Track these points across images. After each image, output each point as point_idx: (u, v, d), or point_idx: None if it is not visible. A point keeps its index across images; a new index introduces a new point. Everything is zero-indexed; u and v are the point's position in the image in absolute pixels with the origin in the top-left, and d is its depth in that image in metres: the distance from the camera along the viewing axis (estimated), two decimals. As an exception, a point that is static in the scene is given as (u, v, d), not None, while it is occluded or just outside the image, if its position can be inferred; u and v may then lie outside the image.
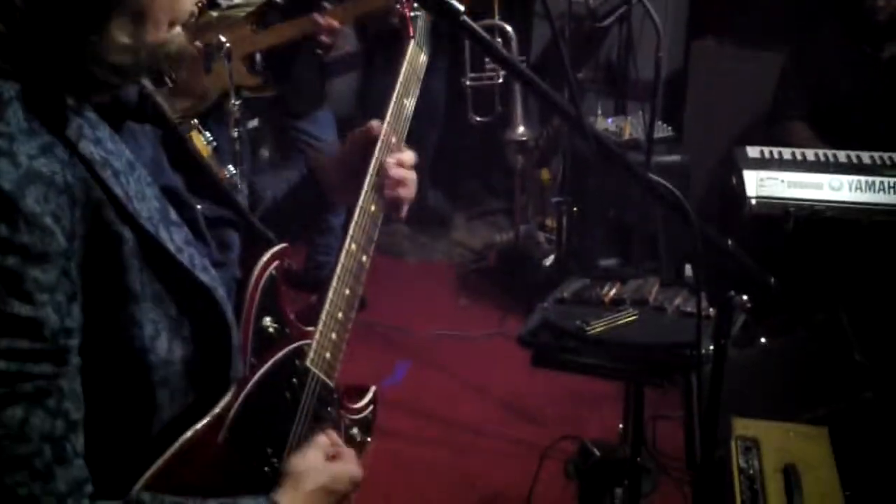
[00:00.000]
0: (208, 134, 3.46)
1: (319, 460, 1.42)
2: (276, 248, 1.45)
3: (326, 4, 4.11)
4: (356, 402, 1.68)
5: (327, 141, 4.72)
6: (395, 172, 1.62)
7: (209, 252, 1.37)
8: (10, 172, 1.05)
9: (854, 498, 2.48)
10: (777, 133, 4.31)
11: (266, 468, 1.38)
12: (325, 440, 1.45)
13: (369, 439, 1.68)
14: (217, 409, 1.31)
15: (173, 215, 1.27)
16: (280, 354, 1.42)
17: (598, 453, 3.41)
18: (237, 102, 3.68)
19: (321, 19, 4.02)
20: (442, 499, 3.43)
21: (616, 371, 2.40)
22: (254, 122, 4.46)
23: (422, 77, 1.71)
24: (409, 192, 1.65)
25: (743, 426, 2.71)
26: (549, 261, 4.77)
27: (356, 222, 1.55)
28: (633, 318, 2.43)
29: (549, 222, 5.27)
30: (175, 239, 1.24)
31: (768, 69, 4.52)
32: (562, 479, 3.47)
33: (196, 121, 3.44)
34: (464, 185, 6.11)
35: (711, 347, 1.94)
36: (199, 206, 1.39)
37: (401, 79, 1.67)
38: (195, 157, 1.43)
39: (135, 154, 1.24)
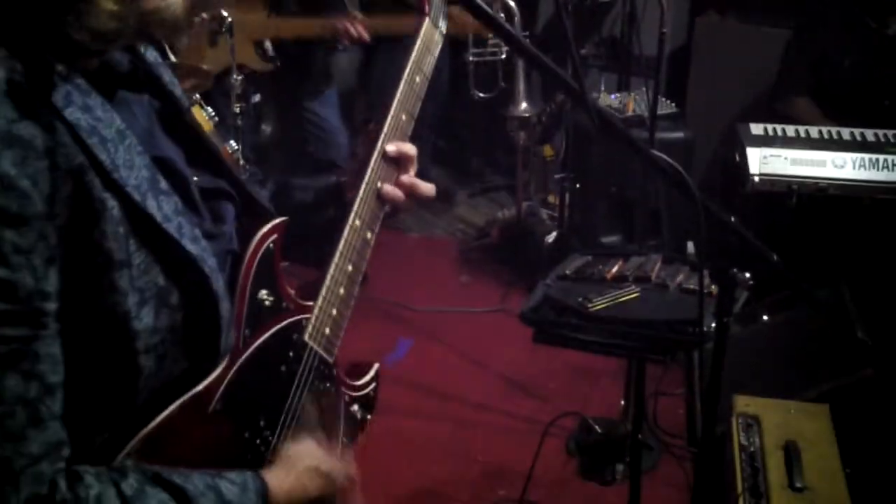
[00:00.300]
0: (210, 109, 3.47)
1: (316, 447, 1.42)
2: (274, 222, 1.43)
3: (357, 14, 4.06)
4: (358, 378, 1.66)
5: (329, 119, 4.71)
6: (396, 190, 1.59)
7: (201, 223, 1.35)
8: None
9: (854, 475, 2.49)
10: (781, 109, 4.30)
11: (258, 440, 1.38)
12: (321, 435, 1.46)
13: (370, 416, 1.67)
14: (209, 380, 1.30)
15: (163, 185, 1.26)
16: (276, 328, 1.41)
17: (599, 430, 3.43)
18: (239, 77, 3.68)
19: (351, 28, 3.97)
20: (443, 474, 3.44)
21: (618, 347, 2.40)
22: (256, 98, 4.45)
23: (436, 55, 1.66)
24: (409, 202, 1.61)
25: (744, 403, 2.72)
26: (551, 237, 4.77)
27: (361, 198, 1.52)
28: (636, 294, 2.43)
29: (552, 199, 5.27)
30: (164, 208, 1.23)
31: (772, 45, 4.50)
32: (563, 455, 3.49)
33: (198, 95, 3.45)
34: (466, 161, 6.10)
35: (713, 325, 1.94)
36: (196, 178, 1.38)
37: (413, 55, 1.62)
38: (193, 129, 1.42)
39: (126, 123, 1.23)
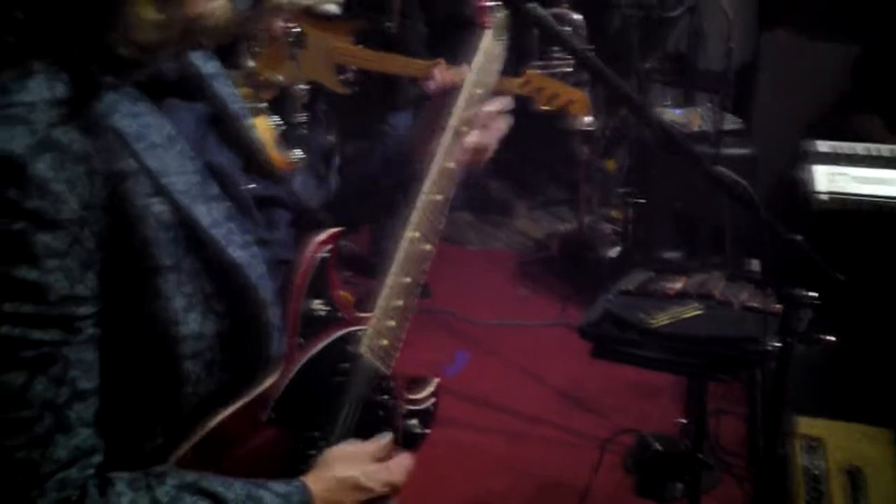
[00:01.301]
0: (276, 117, 3.50)
1: (358, 454, 1.39)
2: (329, 231, 1.42)
3: (445, 65, 4.06)
4: (417, 392, 1.63)
5: (397, 128, 4.72)
6: (485, 116, 1.59)
7: (255, 229, 1.35)
8: (25, 138, 1.05)
9: (920, 501, 2.44)
10: (849, 126, 4.23)
11: (313, 451, 1.37)
12: (378, 444, 1.42)
13: (428, 431, 1.63)
14: (262, 388, 1.29)
15: (214, 190, 1.26)
16: (331, 338, 1.40)
17: (657, 447, 3.39)
18: (305, 87, 3.71)
19: (439, 76, 3.96)
20: (498, 487, 3.43)
21: (679, 365, 2.37)
22: (322, 107, 4.48)
23: (499, 67, 1.64)
24: (492, 138, 1.61)
25: (806, 425, 2.68)
26: (612, 252, 4.74)
27: (419, 210, 1.50)
28: (698, 311, 2.40)
29: (614, 213, 5.24)
30: (213, 213, 1.23)
31: (840, 61, 4.44)
32: (620, 471, 3.46)
33: (266, 103, 3.48)
34: (527, 174, 6.09)
35: (777, 344, 1.91)
36: (251, 185, 1.38)
37: (474, 66, 1.60)
38: (249, 137, 1.41)
39: (177, 129, 1.23)
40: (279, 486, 1.27)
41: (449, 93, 1.61)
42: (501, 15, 1.64)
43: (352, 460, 1.37)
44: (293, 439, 1.35)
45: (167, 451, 1.23)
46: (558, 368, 4.14)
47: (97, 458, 1.13)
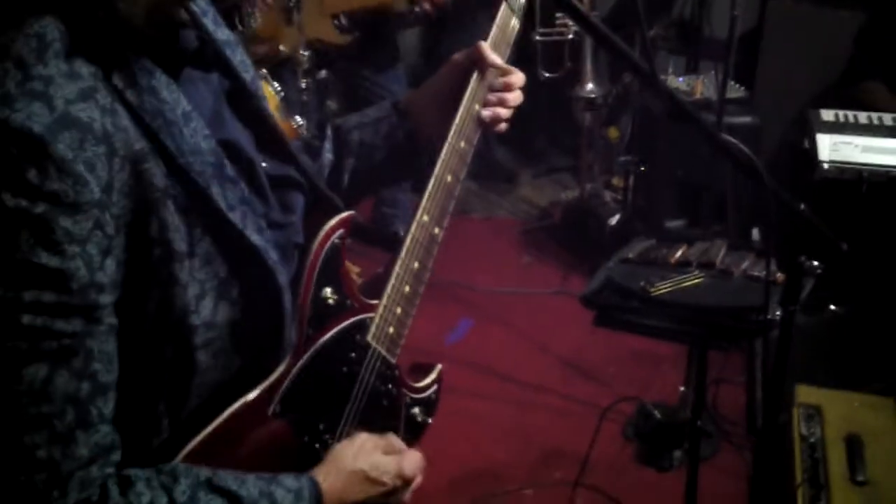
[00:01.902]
0: (276, 84, 3.49)
1: (368, 446, 1.36)
2: (341, 216, 1.36)
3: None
4: (420, 380, 1.60)
5: (396, 94, 4.70)
6: (498, 94, 1.57)
7: (268, 212, 1.30)
8: (44, 116, 1.00)
9: (919, 469, 2.44)
10: (852, 94, 4.21)
11: (317, 444, 1.34)
12: (388, 439, 1.40)
13: (430, 420, 1.60)
14: (269, 381, 1.26)
15: (229, 171, 1.21)
16: (340, 327, 1.36)
17: (658, 415, 3.41)
18: (307, 53, 3.69)
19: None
20: (500, 454, 3.44)
21: (680, 333, 2.38)
22: (322, 74, 4.46)
23: (511, 42, 1.60)
24: (505, 112, 1.59)
25: (806, 393, 2.69)
26: (614, 220, 4.74)
27: (430, 193, 1.46)
28: (699, 280, 2.40)
29: (616, 181, 5.23)
30: (228, 196, 1.18)
31: (845, 29, 4.40)
32: (620, 439, 3.48)
33: (265, 70, 3.47)
34: (531, 141, 6.07)
35: (778, 313, 1.91)
36: (263, 164, 1.33)
37: (490, 41, 1.55)
38: (263, 112, 1.36)
39: (193, 104, 1.18)
40: (290, 481, 1.24)
41: (458, 69, 1.57)
42: None
43: (361, 453, 1.34)
44: (299, 432, 1.32)
45: (173, 446, 1.20)
46: (561, 337, 4.15)
47: (116, 456, 1.10)
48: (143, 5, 1.09)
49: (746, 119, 4.24)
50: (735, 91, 4.33)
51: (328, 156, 1.62)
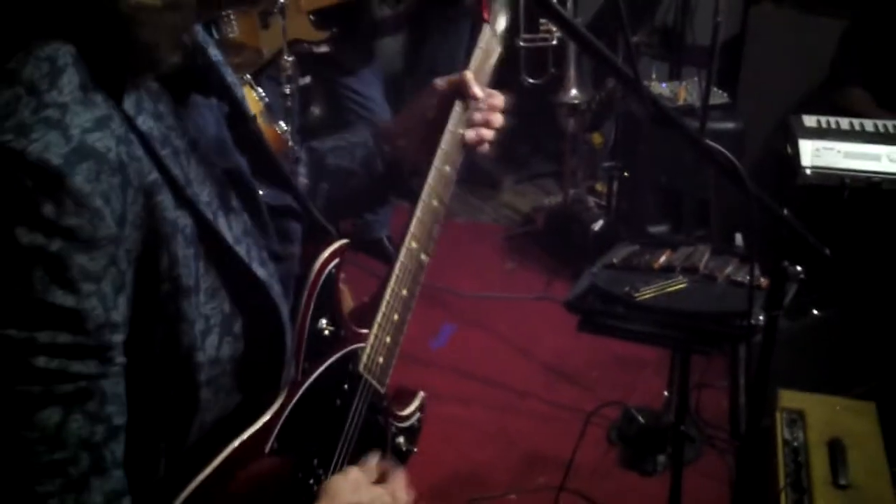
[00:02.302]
0: (261, 90, 3.49)
1: (363, 479, 1.31)
2: (336, 245, 1.34)
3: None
4: (403, 408, 1.57)
5: (373, 99, 4.71)
6: (483, 115, 1.57)
7: (268, 243, 1.25)
8: (60, 146, 0.94)
9: (901, 474, 2.46)
10: (835, 101, 4.23)
11: (311, 480, 1.29)
12: (373, 464, 1.36)
13: (415, 449, 1.57)
14: (266, 417, 1.21)
15: (234, 202, 1.17)
16: (332, 359, 1.32)
17: (641, 420, 3.41)
18: (290, 59, 3.69)
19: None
20: (484, 459, 3.44)
21: (664, 338, 2.39)
22: (305, 80, 4.46)
23: (494, 67, 1.62)
24: (490, 134, 1.58)
25: (789, 398, 2.69)
26: (597, 226, 4.74)
27: (418, 218, 1.44)
28: (683, 285, 2.41)
29: (599, 187, 5.24)
30: (233, 228, 1.14)
31: (827, 35, 4.43)
32: (604, 444, 3.48)
33: (249, 76, 3.47)
34: (514, 147, 6.07)
35: (762, 318, 1.92)
36: (261, 192, 1.27)
37: (473, 64, 1.56)
38: (259, 138, 1.31)
39: (197, 131, 1.14)
40: None
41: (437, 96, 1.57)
42: (499, 5, 1.60)
43: (358, 488, 1.29)
44: (295, 469, 1.28)
45: (169, 486, 1.15)
46: (544, 342, 4.15)
47: (127, 501, 1.06)
48: (167, 30, 1.03)
49: (729, 125, 4.26)
50: (718, 97, 4.36)
51: (303, 179, 1.58)
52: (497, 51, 1.63)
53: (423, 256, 1.46)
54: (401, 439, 1.53)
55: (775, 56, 4.84)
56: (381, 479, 1.35)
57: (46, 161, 0.93)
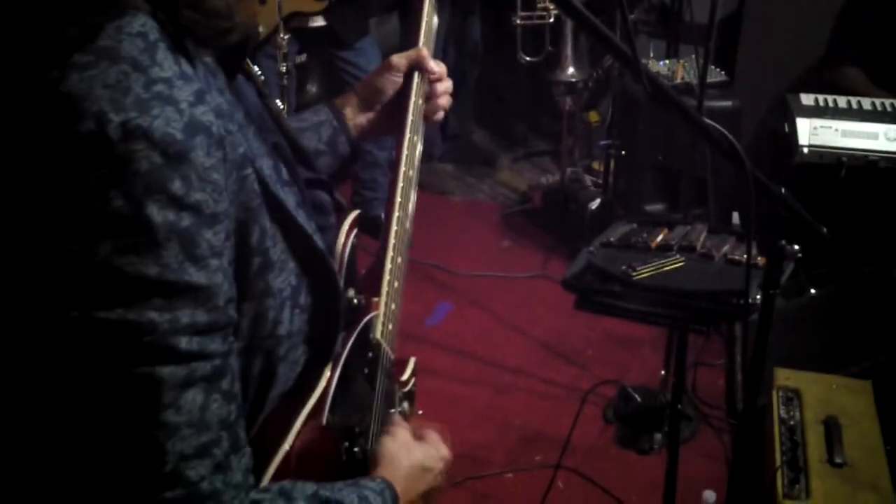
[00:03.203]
0: (256, 68, 3.47)
1: (409, 439, 1.34)
2: (353, 215, 1.38)
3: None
4: (402, 373, 1.61)
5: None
6: (438, 87, 1.66)
7: (312, 215, 1.25)
8: (177, 121, 0.92)
9: (896, 452, 2.47)
10: (831, 79, 4.23)
11: (356, 448, 1.30)
12: (401, 420, 1.40)
13: (420, 412, 1.61)
14: (320, 389, 1.23)
15: (285, 174, 1.17)
16: (360, 327, 1.34)
17: (638, 398, 3.41)
18: (286, 36, 3.67)
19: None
20: (480, 438, 3.45)
21: (660, 317, 2.38)
22: (301, 58, 4.44)
23: (434, 37, 1.72)
24: (447, 99, 1.68)
25: (785, 376, 2.70)
26: (594, 204, 4.74)
27: (401, 188, 1.50)
28: (680, 264, 2.40)
29: (596, 165, 5.24)
30: (289, 200, 1.13)
31: (825, 13, 4.42)
32: (601, 423, 3.49)
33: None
34: (511, 125, 6.07)
35: (759, 297, 1.92)
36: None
37: (421, 42, 1.66)
38: (279, 113, 1.31)
39: (247, 107, 1.13)
40: (372, 484, 1.20)
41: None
42: None
43: (411, 447, 1.33)
44: (342, 440, 1.29)
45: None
46: (541, 320, 4.16)
47: (252, 478, 1.05)
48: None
49: (727, 103, 4.25)
50: (716, 75, 4.34)
51: None
52: (435, 21, 1.72)
53: (407, 225, 1.51)
54: (406, 404, 1.58)
55: (773, 34, 4.83)
56: (421, 437, 1.38)
57: (172, 136, 0.92)
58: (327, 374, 1.25)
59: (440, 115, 1.68)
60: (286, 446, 1.16)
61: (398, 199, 1.49)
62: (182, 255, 0.93)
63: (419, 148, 1.60)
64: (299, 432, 1.19)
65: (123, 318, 0.91)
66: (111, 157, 0.89)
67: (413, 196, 1.55)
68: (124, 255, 0.91)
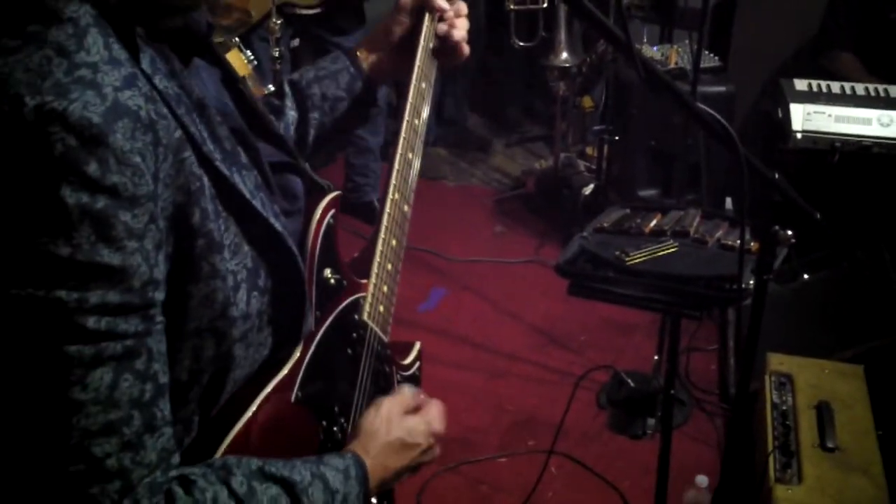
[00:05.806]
0: (249, 53, 3.46)
1: (395, 412, 1.35)
2: (331, 196, 1.37)
3: None
4: (404, 357, 1.62)
5: None
6: (448, 22, 1.61)
7: (274, 199, 1.27)
8: (98, 105, 0.94)
9: (887, 436, 2.48)
10: (824, 64, 4.23)
11: (334, 428, 1.33)
12: (407, 393, 1.40)
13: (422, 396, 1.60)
14: (287, 367, 1.25)
15: (243, 158, 1.19)
16: (341, 307, 1.36)
17: (631, 383, 3.43)
18: (279, 21, 3.66)
19: None
20: (473, 423, 3.45)
21: (654, 302, 2.38)
22: (295, 42, 4.42)
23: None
24: (462, 33, 1.62)
25: (777, 361, 2.71)
26: (588, 189, 4.74)
27: (397, 170, 1.48)
28: (674, 249, 2.41)
29: (590, 150, 5.23)
30: (247, 183, 1.16)
31: (818, -1, 4.42)
32: (594, 408, 3.50)
33: (237, 39, 3.44)
34: (504, 110, 6.06)
35: (752, 282, 1.92)
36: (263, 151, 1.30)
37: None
38: (251, 98, 1.34)
39: (202, 92, 1.15)
40: (336, 461, 1.22)
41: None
42: None
43: (392, 421, 1.33)
44: (319, 417, 1.31)
45: (202, 445, 1.16)
46: (534, 305, 4.16)
47: (176, 458, 1.07)
48: None
49: (720, 88, 4.25)
50: (709, 60, 4.34)
51: (291, 113, 1.61)
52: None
53: (405, 208, 1.50)
54: (406, 388, 1.56)
55: (767, 19, 4.82)
56: (415, 410, 1.38)
57: (88, 119, 0.94)
58: (297, 353, 1.27)
59: (464, 49, 1.63)
60: (244, 420, 1.18)
61: (393, 181, 1.47)
62: (95, 236, 0.95)
63: (427, 94, 1.56)
64: (261, 406, 1.20)
65: (33, 296, 0.94)
66: (25, 140, 0.93)
67: (418, 148, 1.53)
68: (37, 235, 0.94)
